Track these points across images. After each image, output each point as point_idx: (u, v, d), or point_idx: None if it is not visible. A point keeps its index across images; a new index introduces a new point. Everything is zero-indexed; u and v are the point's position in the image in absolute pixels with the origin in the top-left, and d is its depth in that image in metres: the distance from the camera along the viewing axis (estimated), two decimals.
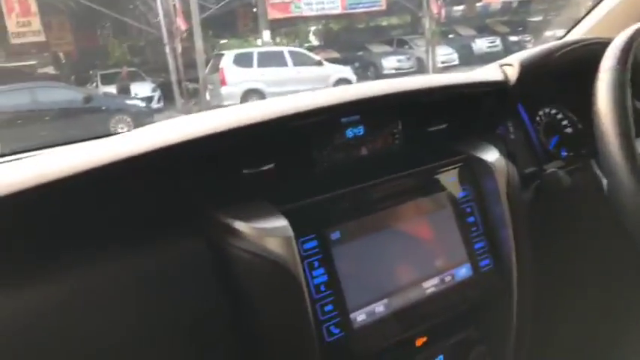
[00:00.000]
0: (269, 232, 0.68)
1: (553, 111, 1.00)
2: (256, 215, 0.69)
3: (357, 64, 13.88)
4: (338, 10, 15.29)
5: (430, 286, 0.80)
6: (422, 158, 0.84)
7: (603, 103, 0.67)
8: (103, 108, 9.01)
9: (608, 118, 0.66)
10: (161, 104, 10.80)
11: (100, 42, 15.79)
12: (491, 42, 15.43)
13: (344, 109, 0.78)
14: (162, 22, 11.69)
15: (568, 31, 1.24)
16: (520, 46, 15.05)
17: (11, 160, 0.87)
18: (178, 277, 0.68)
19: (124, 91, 10.41)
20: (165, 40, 11.55)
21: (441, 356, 0.84)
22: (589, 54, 0.85)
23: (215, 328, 0.71)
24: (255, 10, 14.12)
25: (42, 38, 11.96)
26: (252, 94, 10.75)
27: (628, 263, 0.78)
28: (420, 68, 14.53)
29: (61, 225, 0.65)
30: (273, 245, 0.67)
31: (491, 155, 0.84)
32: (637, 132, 0.71)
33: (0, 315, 0.59)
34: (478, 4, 17.93)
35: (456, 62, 14.11)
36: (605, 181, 0.74)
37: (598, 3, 1.19)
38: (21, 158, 0.85)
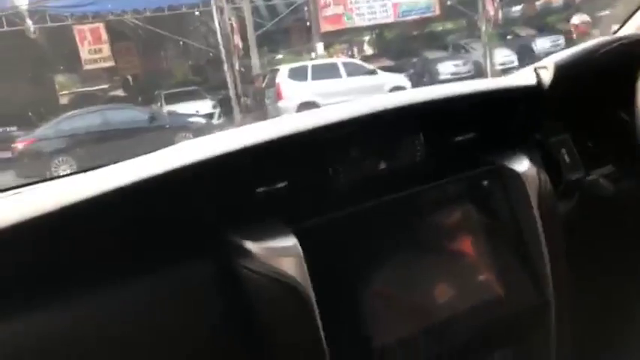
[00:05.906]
0: (278, 251, 0.66)
1: (600, 114, 0.95)
2: (266, 235, 0.67)
3: (411, 71, 13.74)
4: (390, 19, 15.24)
5: (458, 301, 0.76)
6: (444, 170, 0.79)
7: None
8: (167, 126, 9.45)
9: None
10: (221, 120, 11.17)
11: (164, 64, 16.63)
12: (554, 40, 14.74)
13: (360, 123, 0.76)
14: (220, 41, 12.11)
15: (621, 26, 1.19)
16: None
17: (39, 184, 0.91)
18: (189, 299, 0.68)
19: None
20: (224, 58, 11.96)
21: None
22: (631, 51, 0.79)
23: (226, 350, 0.70)
24: (308, 24, 14.35)
25: (112, 63, 12.77)
26: (307, 106, 10.86)
27: None
28: (478, 72, 14.13)
29: (77, 249, 0.65)
30: (283, 265, 0.65)
31: (522, 165, 0.79)
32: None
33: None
34: (538, 3, 17.25)
35: (516, 64, 13.63)
36: None
37: None
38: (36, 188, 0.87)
